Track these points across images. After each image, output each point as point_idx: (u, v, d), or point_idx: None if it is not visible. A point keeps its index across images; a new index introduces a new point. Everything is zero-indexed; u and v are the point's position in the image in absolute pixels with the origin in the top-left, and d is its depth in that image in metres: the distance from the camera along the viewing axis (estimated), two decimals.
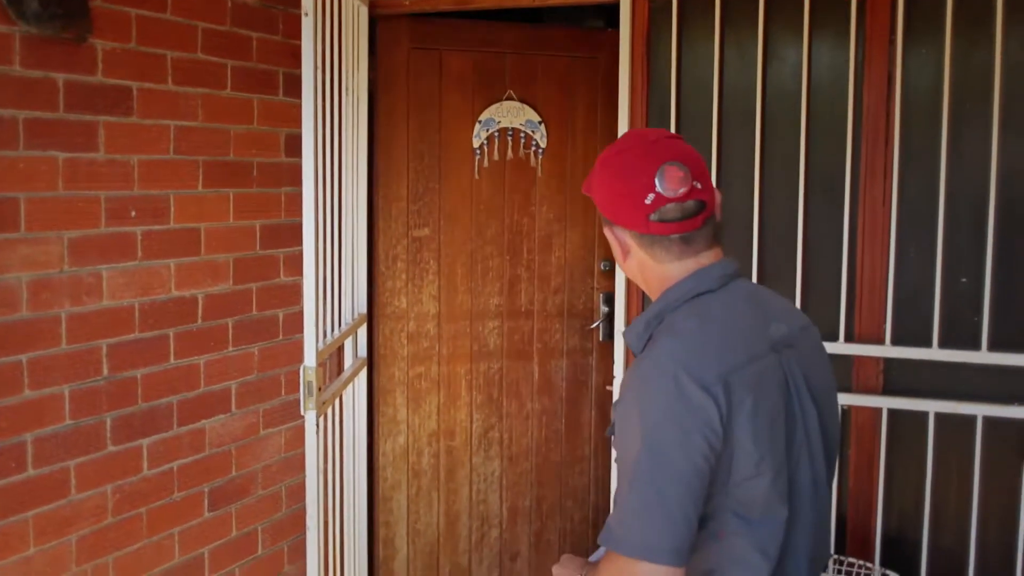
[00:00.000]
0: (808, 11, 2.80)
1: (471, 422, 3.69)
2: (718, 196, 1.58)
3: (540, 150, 3.66)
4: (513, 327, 3.69)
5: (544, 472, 3.78)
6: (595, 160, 1.64)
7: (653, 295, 1.61)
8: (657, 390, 1.43)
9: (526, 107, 3.64)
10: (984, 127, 2.68)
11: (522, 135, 3.65)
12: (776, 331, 1.55)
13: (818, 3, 2.81)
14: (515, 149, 3.66)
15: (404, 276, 3.58)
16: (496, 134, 3.63)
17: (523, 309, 3.69)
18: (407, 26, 3.49)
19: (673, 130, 2.95)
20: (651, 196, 1.50)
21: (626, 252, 1.60)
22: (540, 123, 3.66)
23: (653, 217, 1.51)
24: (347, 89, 3.04)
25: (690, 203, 1.50)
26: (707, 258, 1.56)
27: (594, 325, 3.74)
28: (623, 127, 2.99)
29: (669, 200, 1.49)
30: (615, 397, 1.63)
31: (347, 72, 3.05)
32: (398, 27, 3.48)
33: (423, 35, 3.52)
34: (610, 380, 3.43)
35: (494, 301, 3.67)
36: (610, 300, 3.54)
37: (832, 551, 2.86)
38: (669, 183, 1.49)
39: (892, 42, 2.75)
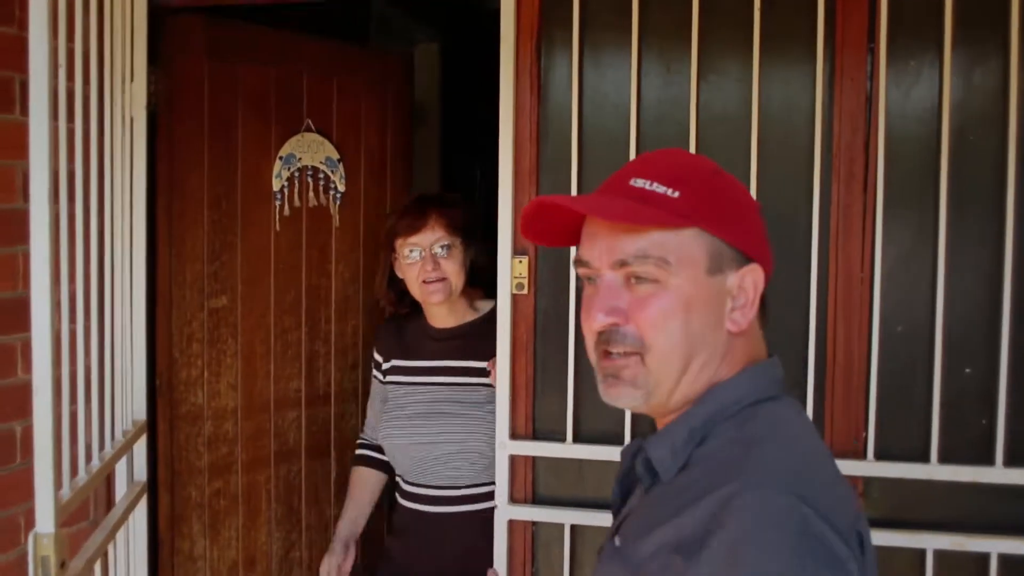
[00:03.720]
0: (759, 9, 2.07)
1: (271, 543, 2.89)
2: None
3: (339, 195, 2.93)
4: (312, 415, 2.99)
5: None
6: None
7: (698, 387, 1.08)
8: (775, 539, 0.88)
9: (326, 142, 2.88)
10: (995, 166, 2.00)
11: (322, 176, 2.89)
12: None
13: None
14: (316, 193, 2.90)
15: (200, 362, 2.65)
16: (296, 173, 2.86)
17: (321, 392, 3.02)
18: (203, 29, 2.60)
19: (575, 163, 2.17)
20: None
21: (750, 305, 1.08)
22: (339, 161, 2.92)
23: None
24: (115, 105, 2.14)
25: None
26: None
27: None
28: (507, 158, 2.18)
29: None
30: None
31: (117, 83, 2.16)
32: (192, 29, 2.58)
33: (221, 41, 2.67)
34: None
35: (294, 385, 2.92)
36: None
37: None
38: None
39: (872, 51, 2.04)
